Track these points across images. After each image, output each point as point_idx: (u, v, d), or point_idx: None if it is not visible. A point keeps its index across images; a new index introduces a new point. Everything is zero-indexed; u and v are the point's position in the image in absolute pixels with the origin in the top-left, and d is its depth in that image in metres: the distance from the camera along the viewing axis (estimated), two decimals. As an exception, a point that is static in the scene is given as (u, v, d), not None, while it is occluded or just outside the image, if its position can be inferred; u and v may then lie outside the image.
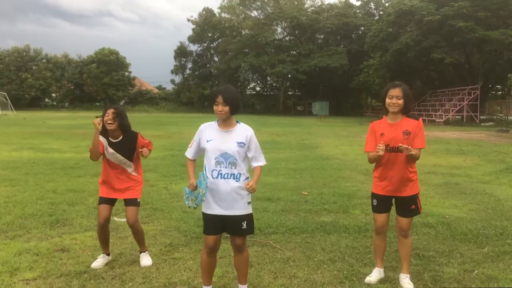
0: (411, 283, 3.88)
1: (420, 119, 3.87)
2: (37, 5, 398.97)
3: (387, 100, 3.80)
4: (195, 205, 3.42)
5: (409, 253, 3.97)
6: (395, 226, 4.12)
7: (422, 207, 3.99)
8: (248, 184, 3.35)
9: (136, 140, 4.39)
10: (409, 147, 3.64)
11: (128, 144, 4.36)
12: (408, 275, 3.94)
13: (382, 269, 4.12)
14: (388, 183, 3.89)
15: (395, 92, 3.76)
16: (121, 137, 4.36)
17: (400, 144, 3.69)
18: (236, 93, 3.42)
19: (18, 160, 11.55)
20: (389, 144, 3.78)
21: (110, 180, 4.39)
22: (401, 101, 3.75)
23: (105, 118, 4.23)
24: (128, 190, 4.42)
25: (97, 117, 4.23)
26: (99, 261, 4.34)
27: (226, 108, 3.33)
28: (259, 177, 3.51)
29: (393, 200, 3.98)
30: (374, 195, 4.03)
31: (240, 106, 3.44)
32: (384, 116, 3.99)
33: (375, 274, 4.07)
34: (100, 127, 4.15)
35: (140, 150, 4.39)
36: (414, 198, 3.88)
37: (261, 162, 3.53)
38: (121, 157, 4.35)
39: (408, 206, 3.87)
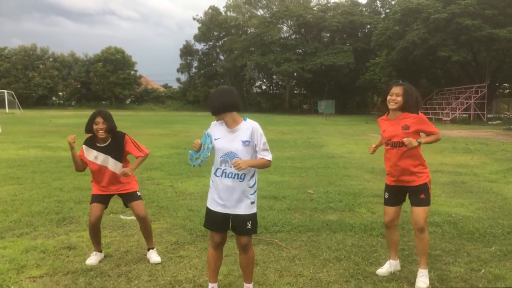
0: (427, 281, 3.83)
1: (420, 113, 3.91)
2: (40, 4, 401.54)
3: (388, 97, 3.90)
4: (200, 162, 3.40)
5: (426, 249, 3.91)
6: (411, 222, 4.09)
7: (430, 202, 3.95)
8: (236, 161, 3.26)
9: (123, 141, 4.37)
10: (411, 140, 3.72)
11: (116, 146, 4.35)
12: (426, 271, 3.90)
13: (396, 262, 4.15)
14: (395, 176, 3.96)
15: (396, 89, 3.86)
16: (109, 140, 4.34)
17: (404, 139, 3.76)
18: (220, 96, 3.37)
19: (25, 158, 11.63)
20: (390, 139, 3.91)
21: (100, 180, 4.39)
22: (400, 98, 3.83)
23: (96, 127, 4.21)
24: (122, 187, 4.42)
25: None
26: (93, 258, 4.37)
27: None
28: (256, 164, 3.37)
29: (407, 193, 3.99)
30: (386, 187, 4.09)
31: (232, 105, 3.37)
32: (386, 113, 4.06)
33: (386, 266, 4.12)
34: (74, 144, 4.20)
35: (123, 170, 4.27)
36: (424, 187, 3.87)
37: (266, 156, 3.39)
38: (112, 160, 4.33)
39: (418, 195, 3.86)
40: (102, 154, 4.31)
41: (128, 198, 4.45)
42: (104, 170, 4.35)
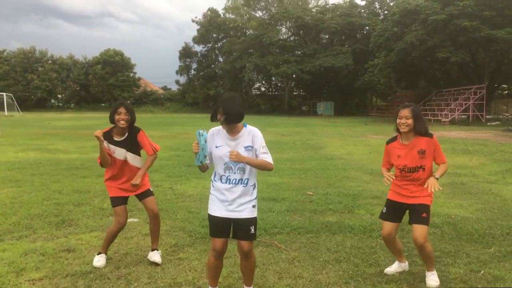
0: (437, 279, 3.88)
1: (434, 136, 3.96)
2: (37, 6, 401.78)
3: (398, 121, 3.94)
4: (201, 161, 3.42)
5: (430, 258, 3.93)
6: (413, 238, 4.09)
7: (429, 222, 3.98)
8: (233, 152, 3.25)
9: (138, 134, 4.43)
10: (433, 185, 3.74)
11: (132, 140, 4.41)
12: (433, 272, 3.94)
13: (404, 263, 4.20)
14: (403, 195, 4.00)
15: (404, 112, 3.90)
16: (126, 134, 4.39)
17: (430, 189, 3.74)
18: (236, 104, 3.32)
19: (24, 161, 11.61)
20: (406, 165, 3.93)
21: (119, 177, 4.41)
22: (410, 121, 3.87)
23: (118, 117, 4.27)
24: (139, 186, 4.45)
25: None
26: (102, 260, 4.37)
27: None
28: (254, 163, 3.37)
29: (407, 210, 4.01)
30: (387, 201, 4.11)
31: (243, 115, 3.36)
32: (398, 136, 4.06)
33: (394, 266, 4.19)
34: (102, 137, 4.19)
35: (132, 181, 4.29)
36: (427, 208, 3.90)
37: (266, 158, 3.41)
38: (130, 154, 4.39)
39: (420, 214, 3.88)
40: (119, 148, 4.36)
41: (142, 196, 4.50)
42: (124, 165, 4.39)
